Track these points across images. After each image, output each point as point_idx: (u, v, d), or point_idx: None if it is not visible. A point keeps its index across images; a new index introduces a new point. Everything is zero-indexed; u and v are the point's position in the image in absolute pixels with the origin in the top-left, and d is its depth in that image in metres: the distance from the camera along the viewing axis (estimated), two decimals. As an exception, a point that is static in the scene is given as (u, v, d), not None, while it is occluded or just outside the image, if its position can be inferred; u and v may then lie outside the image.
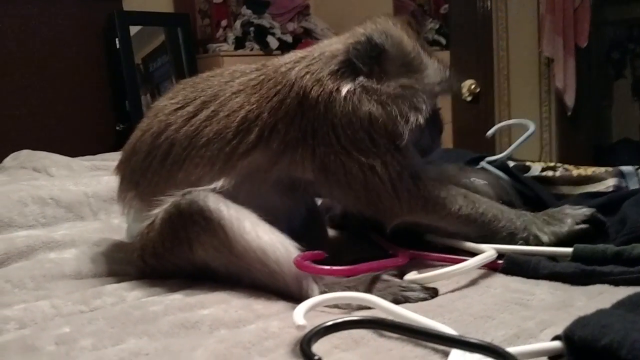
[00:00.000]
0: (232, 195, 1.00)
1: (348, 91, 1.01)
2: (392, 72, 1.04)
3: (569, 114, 3.78)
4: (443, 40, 4.35)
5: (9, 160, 2.14)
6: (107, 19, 3.50)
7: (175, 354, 0.73)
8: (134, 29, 3.60)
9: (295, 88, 1.03)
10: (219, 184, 1.01)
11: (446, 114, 4.33)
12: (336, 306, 0.91)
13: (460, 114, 4.28)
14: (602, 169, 1.40)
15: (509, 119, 4.28)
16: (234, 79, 1.10)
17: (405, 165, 1.03)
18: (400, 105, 1.02)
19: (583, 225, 1.03)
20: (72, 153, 2.20)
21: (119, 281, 1.05)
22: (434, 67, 1.08)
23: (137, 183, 1.09)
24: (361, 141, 1.01)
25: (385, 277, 0.96)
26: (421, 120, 1.03)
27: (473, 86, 4.37)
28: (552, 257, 0.99)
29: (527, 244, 1.03)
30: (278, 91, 1.04)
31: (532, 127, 1.39)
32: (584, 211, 1.05)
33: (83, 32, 3.44)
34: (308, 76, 1.03)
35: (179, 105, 1.09)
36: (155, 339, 0.79)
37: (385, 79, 1.03)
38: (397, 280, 0.95)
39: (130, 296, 0.97)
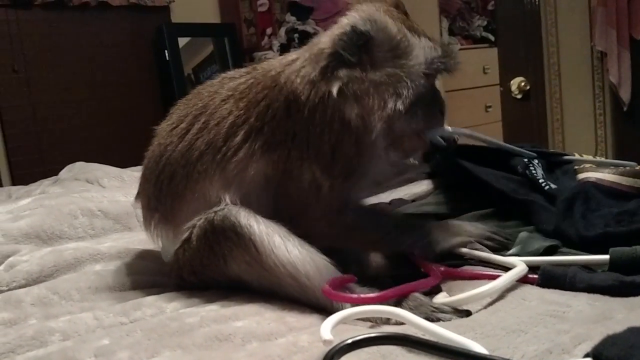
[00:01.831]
0: (244, 203, 1.01)
1: (339, 90, 1.00)
2: (379, 59, 1.03)
3: (625, 109, 3.63)
4: (492, 37, 4.24)
5: (64, 172, 2.24)
6: (156, 32, 3.60)
7: (206, 368, 0.75)
8: (182, 41, 3.68)
9: (283, 92, 1.03)
10: (225, 197, 1.02)
11: (496, 112, 4.23)
12: (369, 319, 0.91)
13: (510, 111, 4.17)
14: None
15: (561, 116, 4.15)
16: (222, 86, 1.11)
17: (342, 198, 1.04)
18: (382, 93, 1.02)
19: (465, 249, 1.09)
20: (125, 163, 2.27)
21: (159, 292, 1.08)
22: (422, 47, 1.05)
23: (155, 209, 1.11)
24: (323, 156, 1.01)
25: (417, 295, 0.94)
26: (400, 106, 1.02)
27: (523, 83, 4.26)
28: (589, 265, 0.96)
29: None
30: (265, 95, 1.04)
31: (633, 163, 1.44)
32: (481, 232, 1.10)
33: (133, 45, 3.55)
34: (299, 80, 1.02)
35: (174, 125, 1.10)
36: (189, 352, 0.81)
37: (372, 67, 1.02)
38: (428, 300, 0.94)
39: (169, 307, 1.00)
